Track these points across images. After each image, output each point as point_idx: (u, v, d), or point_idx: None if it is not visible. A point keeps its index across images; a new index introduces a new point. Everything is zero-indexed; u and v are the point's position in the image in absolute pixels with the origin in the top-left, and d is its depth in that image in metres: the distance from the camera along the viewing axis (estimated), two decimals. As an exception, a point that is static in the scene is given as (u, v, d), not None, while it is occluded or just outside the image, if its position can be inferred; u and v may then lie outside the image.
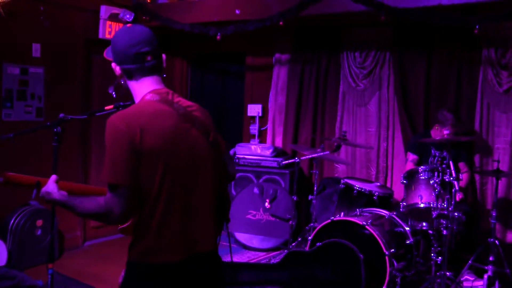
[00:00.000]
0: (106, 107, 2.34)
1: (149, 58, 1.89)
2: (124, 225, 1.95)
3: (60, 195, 1.91)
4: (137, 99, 1.93)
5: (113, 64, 1.93)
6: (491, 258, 3.96)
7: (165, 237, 1.81)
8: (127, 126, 1.75)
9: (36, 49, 5.01)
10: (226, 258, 2.14)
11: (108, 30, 5.44)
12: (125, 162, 1.74)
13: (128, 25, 1.96)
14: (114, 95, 2.02)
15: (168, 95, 1.91)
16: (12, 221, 4.63)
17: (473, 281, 4.16)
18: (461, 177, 4.37)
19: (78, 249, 5.45)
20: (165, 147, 1.79)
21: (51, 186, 1.94)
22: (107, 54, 2.00)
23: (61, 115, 2.45)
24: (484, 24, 4.17)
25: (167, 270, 1.82)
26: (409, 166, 4.69)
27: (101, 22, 5.40)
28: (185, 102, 1.94)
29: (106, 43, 5.52)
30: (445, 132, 4.45)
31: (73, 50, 5.37)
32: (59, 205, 1.91)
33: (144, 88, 1.91)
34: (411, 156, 4.84)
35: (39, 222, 4.77)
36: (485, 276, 3.96)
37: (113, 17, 5.43)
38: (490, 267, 3.95)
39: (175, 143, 1.82)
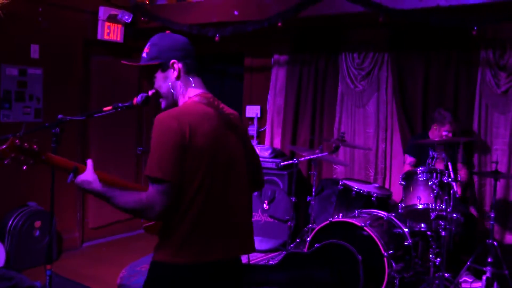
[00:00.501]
0: (105, 108, 2.33)
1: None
2: (150, 223, 1.95)
3: (100, 185, 1.88)
4: (182, 97, 1.97)
5: (173, 61, 1.94)
6: (489, 260, 3.96)
7: (196, 239, 1.81)
8: (178, 124, 1.77)
9: (34, 50, 5.01)
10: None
11: (107, 31, 5.44)
12: (172, 159, 1.75)
13: (167, 32, 2.03)
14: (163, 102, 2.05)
15: (214, 100, 1.97)
16: (10, 222, 4.62)
17: (471, 282, 4.15)
18: (459, 178, 4.38)
19: (76, 250, 5.44)
20: (209, 148, 1.83)
21: (92, 175, 1.90)
22: (142, 60, 2.00)
23: (60, 116, 2.44)
24: (483, 25, 4.17)
25: (194, 271, 1.82)
26: (407, 168, 4.69)
27: (99, 23, 5.40)
28: (227, 109, 2.01)
29: (104, 44, 5.57)
30: (444, 131, 4.44)
31: (71, 51, 5.37)
32: (94, 194, 1.88)
33: (195, 87, 1.97)
34: (409, 159, 4.84)
35: (37, 223, 4.76)
36: (484, 278, 3.95)
37: (112, 18, 5.43)
38: (489, 268, 3.95)
39: (217, 145, 1.86)
